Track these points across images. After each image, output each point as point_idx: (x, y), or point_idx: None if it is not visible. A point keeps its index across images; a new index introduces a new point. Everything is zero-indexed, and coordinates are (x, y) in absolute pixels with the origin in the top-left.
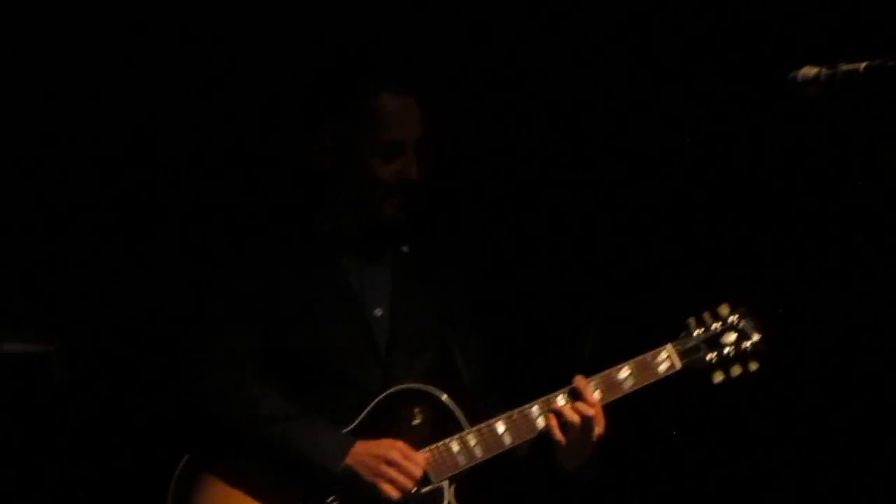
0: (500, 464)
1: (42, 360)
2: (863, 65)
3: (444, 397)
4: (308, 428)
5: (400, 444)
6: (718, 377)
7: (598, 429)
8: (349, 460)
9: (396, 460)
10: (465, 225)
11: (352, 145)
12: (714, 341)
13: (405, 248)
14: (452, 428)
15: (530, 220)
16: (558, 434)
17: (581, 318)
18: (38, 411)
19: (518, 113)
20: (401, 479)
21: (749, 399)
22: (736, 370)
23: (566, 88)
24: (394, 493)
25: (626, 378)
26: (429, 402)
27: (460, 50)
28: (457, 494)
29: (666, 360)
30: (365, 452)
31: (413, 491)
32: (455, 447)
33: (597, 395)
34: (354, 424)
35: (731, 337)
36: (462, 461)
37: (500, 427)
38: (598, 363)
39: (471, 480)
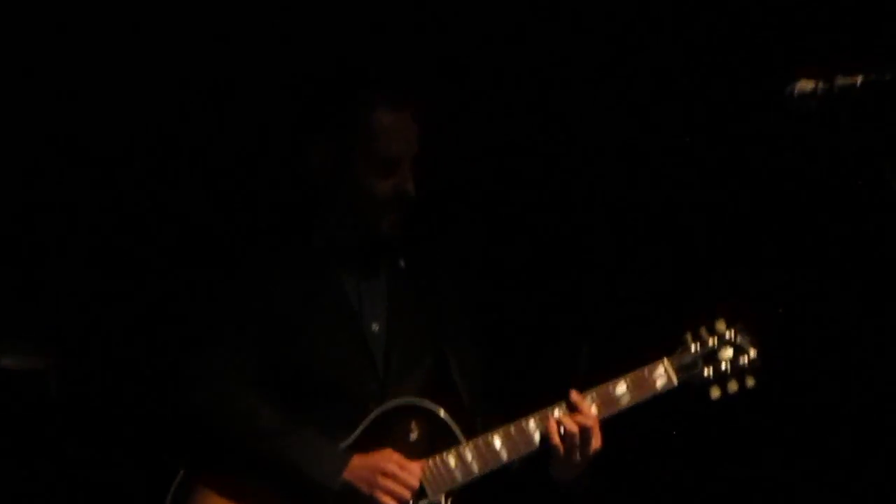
0: (497, 478)
1: (38, 376)
2: (859, 78)
3: (441, 412)
4: (305, 443)
5: (395, 454)
6: (715, 393)
7: (595, 442)
8: (347, 475)
9: (392, 471)
10: (460, 239)
11: (348, 161)
12: (711, 356)
13: (402, 263)
14: (449, 442)
15: (526, 234)
16: (557, 441)
17: (577, 333)
18: (34, 427)
19: (514, 128)
20: (398, 489)
21: (744, 409)
22: (733, 386)
23: (564, 104)
24: None
25: (622, 393)
26: (426, 417)
27: (456, 65)
28: None
29: (662, 375)
30: (362, 466)
31: (410, 503)
32: (452, 462)
33: (593, 410)
34: (351, 439)
35: (728, 352)
36: (459, 476)
37: (497, 441)
38: (594, 377)
39: (468, 495)
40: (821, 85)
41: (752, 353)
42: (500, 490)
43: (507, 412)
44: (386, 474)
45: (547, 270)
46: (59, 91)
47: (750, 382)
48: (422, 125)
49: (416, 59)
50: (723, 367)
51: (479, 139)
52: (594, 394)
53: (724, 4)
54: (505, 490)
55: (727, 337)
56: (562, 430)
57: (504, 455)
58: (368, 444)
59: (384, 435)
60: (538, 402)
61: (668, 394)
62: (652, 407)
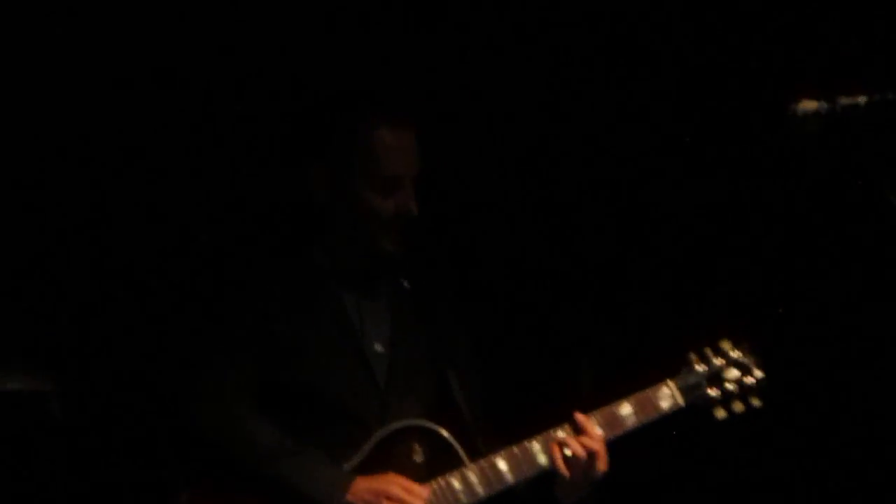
0: (502, 500)
1: (42, 397)
2: (862, 98)
3: (444, 433)
4: (308, 464)
5: (401, 478)
6: (721, 413)
7: (601, 464)
8: (349, 496)
9: (398, 495)
10: (462, 259)
11: (349, 180)
12: (716, 377)
13: (405, 283)
14: (453, 464)
15: (529, 253)
16: (561, 466)
17: (580, 353)
18: (39, 448)
19: (517, 146)
20: None
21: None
22: (738, 406)
23: (567, 123)
24: None
25: (628, 415)
26: (429, 438)
27: (458, 84)
28: None
29: (668, 396)
30: (365, 489)
31: None
32: (456, 484)
33: (598, 431)
34: (355, 461)
35: (734, 373)
36: (464, 499)
37: (502, 463)
38: (599, 399)
39: None
40: (824, 105)
41: (758, 373)
42: None
43: (510, 433)
44: (391, 498)
45: (550, 290)
46: (63, 120)
47: (755, 402)
48: (423, 143)
49: (416, 77)
50: (728, 387)
51: (480, 157)
52: (598, 415)
53: (728, 24)
54: None
55: (732, 357)
56: (567, 452)
57: (509, 477)
58: (372, 465)
59: (387, 456)
60: (542, 423)
61: (674, 415)
62: (656, 429)
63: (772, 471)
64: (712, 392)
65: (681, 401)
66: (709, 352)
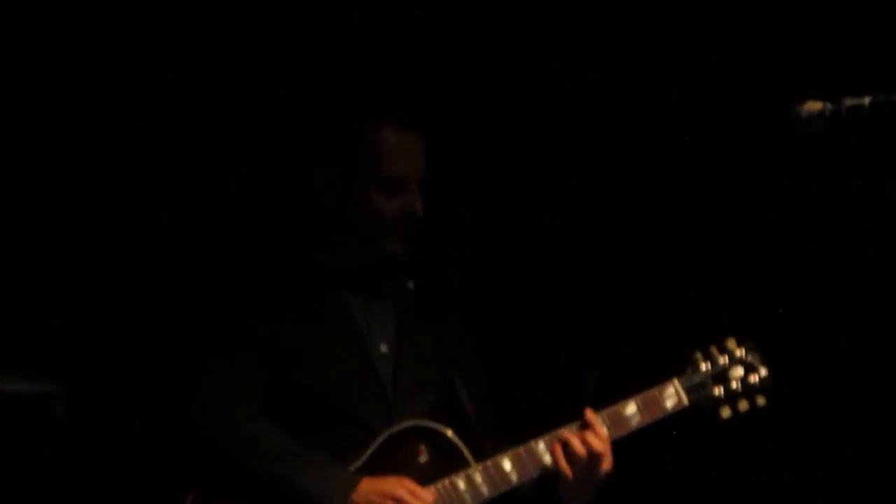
0: (507, 501)
1: (45, 400)
2: (867, 99)
3: (450, 433)
4: (313, 465)
5: (407, 481)
6: (726, 412)
7: (606, 464)
8: (355, 497)
9: (404, 498)
10: (468, 260)
11: (354, 181)
12: (721, 376)
13: (410, 285)
14: (458, 465)
15: (534, 254)
16: (564, 465)
17: (585, 354)
18: (41, 452)
19: (521, 148)
20: None
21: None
22: (743, 405)
23: (568, 123)
24: None
25: (632, 414)
26: (434, 439)
27: (466, 86)
28: None
29: (673, 395)
30: (371, 490)
31: None
32: (461, 485)
33: (604, 431)
34: (360, 462)
35: (739, 371)
36: (469, 499)
37: (507, 464)
38: (604, 399)
39: None
40: (828, 106)
41: (763, 371)
42: None
43: (516, 434)
44: (397, 500)
45: (556, 291)
46: (67, 117)
47: (761, 401)
48: (429, 145)
49: (424, 79)
50: (733, 386)
51: (485, 159)
52: (604, 415)
53: (732, 24)
54: None
55: (737, 355)
56: (572, 452)
57: (514, 477)
58: (377, 466)
59: (393, 457)
60: (547, 425)
61: (678, 414)
62: (661, 429)
63: (773, 470)
64: (717, 391)
65: (685, 400)
66: (714, 350)
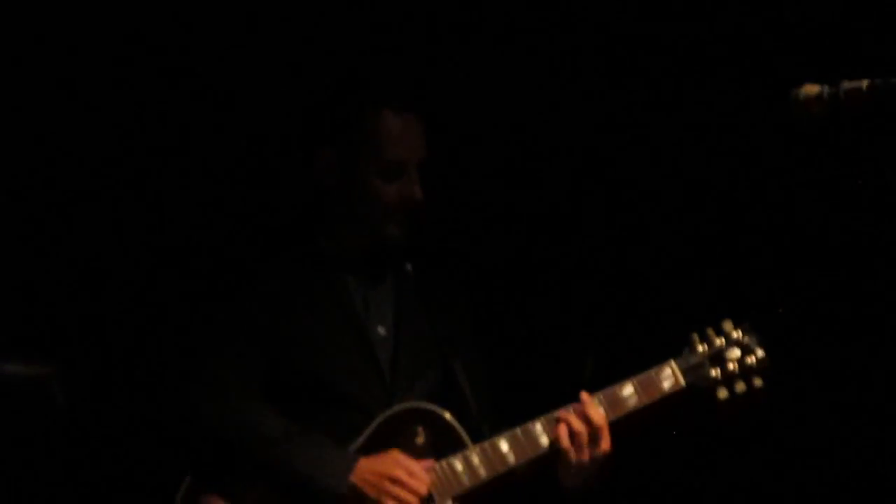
0: (504, 482)
1: (43, 382)
2: (865, 83)
3: (448, 416)
4: (311, 447)
5: (404, 458)
6: (723, 394)
7: (604, 444)
8: (353, 478)
9: (401, 479)
10: (465, 244)
11: (353, 165)
12: (718, 357)
13: (409, 267)
14: (456, 447)
15: (531, 237)
16: (567, 444)
17: (582, 337)
18: (39, 434)
19: (520, 132)
20: (407, 497)
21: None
22: (740, 386)
23: (567, 108)
24: None
25: (629, 395)
26: (432, 421)
27: (467, 70)
28: None
29: (669, 376)
30: (369, 470)
31: None
32: (459, 466)
33: (600, 412)
34: (358, 443)
35: (735, 353)
36: (466, 480)
37: (504, 445)
38: (600, 382)
39: (474, 499)
40: (826, 89)
41: (760, 352)
42: (507, 494)
43: (514, 416)
44: (395, 481)
45: (551, 274)
46: (62, 94)
47: (757, 383)
48: (429, 130)
49: (423, 62)
50: (730, 367)
51: (484, 144)
52: (601, 396)
53: (730, 8)
54: (512, 494)
55: (734, 337)
56: (569, 431)
57: (511, 459)
58: (375, 448)
59: (390, 439)
60: (545, 406)
61: (675, 396)
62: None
63: (772, 463)
64: (714, 372)
65: (682, 381)
66: (710, 332)
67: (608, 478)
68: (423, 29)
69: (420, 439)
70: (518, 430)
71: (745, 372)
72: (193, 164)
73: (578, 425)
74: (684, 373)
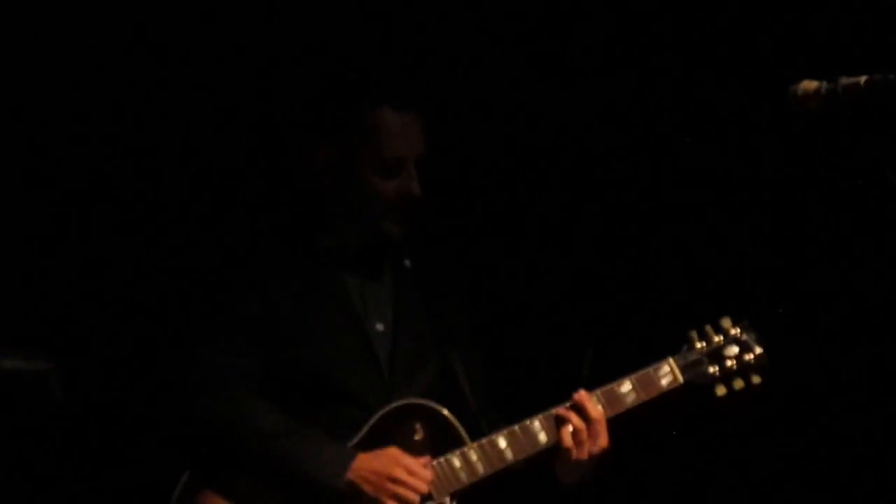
0: (502, 479)
1: (42, 378)
2: (863, 78)
3: (446, 412)
4: (309, 442)
5: (403, 456)
6: (721, 391)
7: (602, 440)
8: (351, 475)
9: (401, 478)
10: (464, 241)
11: (352, 162)
12: (716, 354)
13: (407, 263)
14: (454, 443)
15: (529, 235)
16: (568, 440)
17: (580, 334)
18: (38, 430)
19: (519, 128)
20: (407, 495)
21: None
22: (738, 383)
23: (565, 104)
24: None
25: (627, 392)
26: (430, 417)
27: (461, 65)
28: None
29: (668, 373)
30: (367, 467)
31: None
32: (457, 463)
33: (599, 409)
34: (356, 439)
35: (734, 350)
36: (464, 477)
37: (502, 442)
38: (598, 379)
39: (473, 496)
40: (824, 85)
41: (758, 350)
42: (505, 491)
43: (512, 413)
44: (394, 480)
45: (550, 272)
46: (62, 93)
47: (756, 380)
48: (427, 126)
49: (421, 59)
50: (728, 364)
51: (482, 140)
52: (599, 393)
53: (728, 6)
54: (510, 491)
55: (732, 334)
56: (567, 428)
57: (509, 455)
58: (373, 444)
59: (388, 435)
60: (543, 403)
61: (674, 393)
62: (657, 410)
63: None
64: (712, 369)
65: (680, 378)
66: (709, 329)
67: (604, 473)
68: (421, 26)
69: (418, 435)
70: (516, 428)
71: (744, 369)
72: (192, 161)
73: (577, 422)
74: (683, 370)
